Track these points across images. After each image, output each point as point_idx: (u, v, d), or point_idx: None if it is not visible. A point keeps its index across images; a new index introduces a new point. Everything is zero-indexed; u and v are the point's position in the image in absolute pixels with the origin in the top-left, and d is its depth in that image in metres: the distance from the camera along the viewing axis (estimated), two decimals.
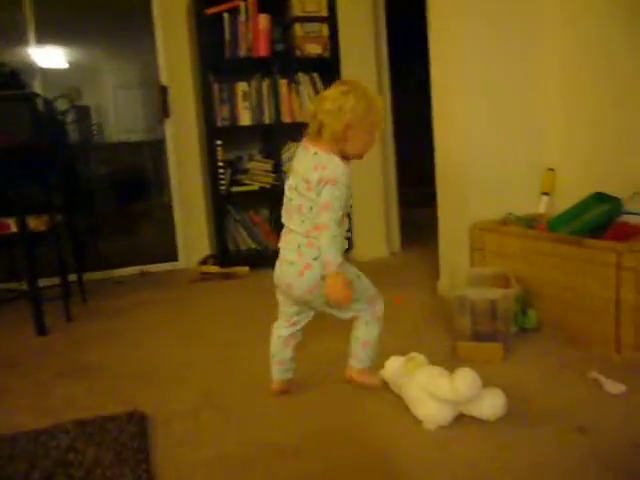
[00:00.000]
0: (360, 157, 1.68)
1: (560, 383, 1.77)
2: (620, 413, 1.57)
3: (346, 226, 1.68)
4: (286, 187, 1.69)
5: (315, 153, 1.60)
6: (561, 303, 2.09)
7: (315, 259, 1.62)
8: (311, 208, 1.60)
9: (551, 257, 2.11)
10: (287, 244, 1.67)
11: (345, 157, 1.64)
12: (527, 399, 1.67)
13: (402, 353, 1.87)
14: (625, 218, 2.06)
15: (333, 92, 1.60)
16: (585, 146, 2.49)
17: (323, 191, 1.57)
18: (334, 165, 1.58)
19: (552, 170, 2.64)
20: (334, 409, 1.71)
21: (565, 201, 2.40)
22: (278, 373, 1.81)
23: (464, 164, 2.58)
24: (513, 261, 2.24)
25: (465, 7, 2.50)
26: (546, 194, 2.64)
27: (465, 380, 1.48)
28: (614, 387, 1.69)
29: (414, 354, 1.74)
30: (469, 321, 1.99)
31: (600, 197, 2.18)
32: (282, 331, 1.79)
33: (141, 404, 1.79)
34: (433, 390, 1.55)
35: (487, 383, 1.62)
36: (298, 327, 1.78)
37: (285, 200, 1.69)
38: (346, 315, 1.75)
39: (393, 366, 1.75)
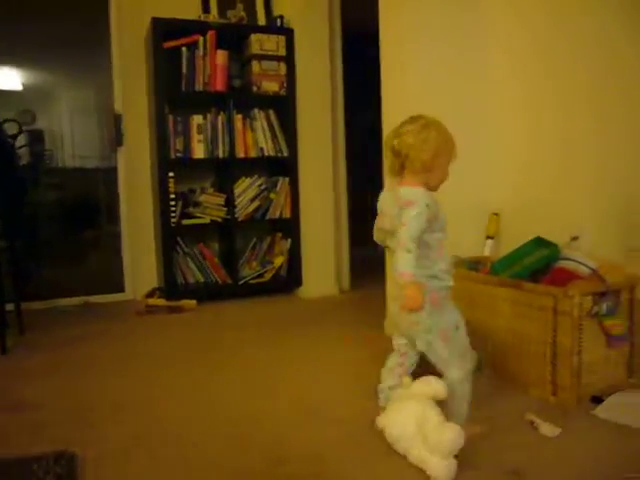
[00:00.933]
0: (436, 189, 1.73)
1: (498, 425, 1.78)
2: (554, 456, 1.59)
3: (442, 258, 1.71)
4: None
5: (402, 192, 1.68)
6: (502, 345, 2.13)
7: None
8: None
9: (493, 299, 2.16)
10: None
11: (428, 189, 1.70)
12: (466, 443, 1.67)
13: (342, 393, 1.87)
14: (563, 264, 2.13)
15: (412, 127, 1.66)
16: (530, 191, 2.58)
17: (403, 214, 1.62)
18: (413, 190, 1.65)
19: (497, 214, 2.72)
20: (268, 447, 1.67)
21: (512, 244, 2.47)
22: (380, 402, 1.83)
23: None
24: (456, 303, 2.27)
25: (415, 52, 2.59)
26: (491, 238, 2.71)
27: (452, 434, 1.45)
28: (549, 430, 1.71)
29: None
30: None
31: (540, 242, 2.25)
32: (390, 361, 1.87)
33: (72, 443, 1.70)
34: (426, 418, 1.51)
35: None
36: (406, 358, 1.84)
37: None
38: (441, 364, 1.71)
39: (419, 388, 1.66)
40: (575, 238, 2.30)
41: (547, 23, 2.46)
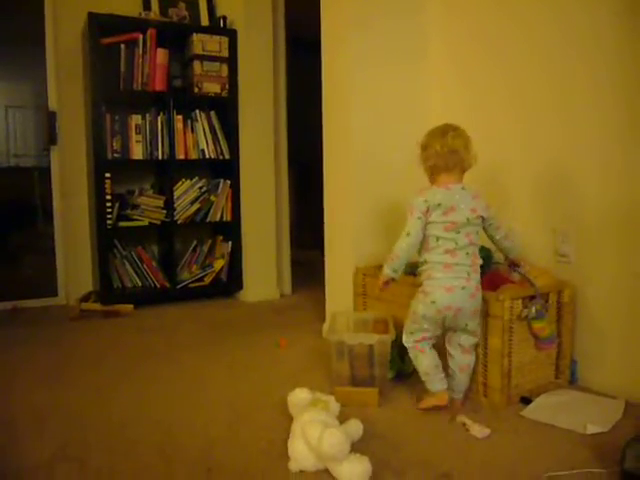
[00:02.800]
0: None
1: (431, 428, 1.80)
2: (482, 457, 1.61)
3: None
4: (443, 230, 1.85)
5: (462, 188, 1.88)
6: (438, 347, 2.15)
7: (478, 282, 1.88)
8: (477, 233, 1.89)
9: None
10: (454, 273, 1.84)
11: None
12: (398, 445, 1.69)
13: (281, 397, 1.86)
14: (495, 268, 2.19)
15: (459, 132, 1.88)
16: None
17: (493, 212, 1.93)
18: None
19: None
20: (199, 457, 1.64)
21: None
22: (442, 383, 1.92)
23: (351, 209, 2.65)
24: (392, 306, 2.29)
25: (357, 59, 2.61)
26: None
27: (329, 439, 1.45)
28: (479, 431, 1.74)
29: (323, 396, 1.76)
30: (347, 366, 2.01)
31: None
32: (429, 345, 1.93)
33: None
34: (305, 434, 1.53)
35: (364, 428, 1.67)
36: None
37: (444, 243, 1.85)
38: (474, 339, 1.94)
39: (298, 396, 1.76)
40: None
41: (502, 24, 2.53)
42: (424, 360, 1.92)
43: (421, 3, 2.73)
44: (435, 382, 1.91)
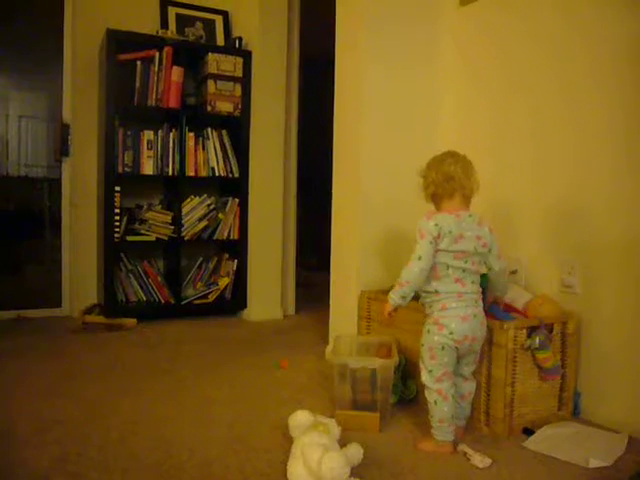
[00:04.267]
0: None
1: (431, 456, 1.79)
2: None
3: None
4: (453, 258, 1.81)
5: (470, 215, 1.84)
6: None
7: (482, 309, 1.86)
8: (481, 262, 1.86)
9: None
10: (466, 302, 1.82)
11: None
12: (397, 471, 1.67)
13: (282, 419, 1.85)
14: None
15: (459, 158, 1.86)
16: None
17: (495, 240, 1.87)
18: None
19: None
20: (197, 477, 1.63)
21: None
22: (452, 434, 1.82)
23: (357, 232, 2.66)
24: (396, 331, 2.29)
25: (370, 80, 2.65)
26: None
27: (329, 463, 1.44)
28: (481, 461, 1.73)
29: (324, 419, 1.75)
30: (349, 389, 2.00)
31: None
32: (453, 389, 1.84)
33: None
34: (305, 456, 1.52)
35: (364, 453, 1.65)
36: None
37: (454, 271, 1.81)
38: (475, 366, 1.92)
39: (299, 419, 1.74)
40: (514, 272, 2.36)
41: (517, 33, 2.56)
42: (444, 407, 1.79)
43: (435, 9, 2.76)
44: (446, 433, 1.81)
